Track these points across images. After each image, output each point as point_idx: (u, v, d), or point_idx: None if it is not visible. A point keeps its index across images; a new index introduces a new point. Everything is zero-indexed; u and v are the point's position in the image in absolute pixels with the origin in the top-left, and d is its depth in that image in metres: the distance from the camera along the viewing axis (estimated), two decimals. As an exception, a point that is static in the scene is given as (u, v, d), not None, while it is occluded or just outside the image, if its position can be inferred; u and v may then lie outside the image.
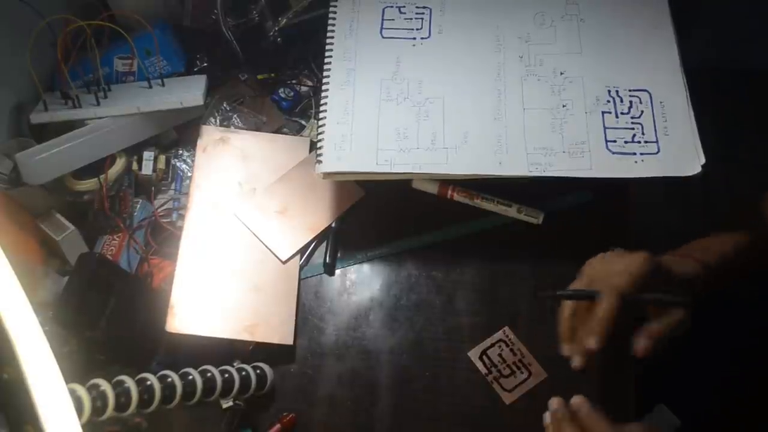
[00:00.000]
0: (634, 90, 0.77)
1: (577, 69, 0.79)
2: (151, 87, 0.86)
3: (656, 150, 0.74)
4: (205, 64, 0.92)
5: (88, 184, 0.82)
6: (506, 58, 0.80)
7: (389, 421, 0.74)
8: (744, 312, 1.10)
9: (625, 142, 0.75)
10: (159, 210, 0.83)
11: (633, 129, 0.75)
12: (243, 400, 0.71)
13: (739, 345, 1.08)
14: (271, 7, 0.90)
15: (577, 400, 0.62)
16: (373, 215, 0.83)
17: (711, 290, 0.69)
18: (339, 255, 0.82)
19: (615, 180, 0.73)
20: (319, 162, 0.76)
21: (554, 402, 0.63)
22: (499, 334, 0.76)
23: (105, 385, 0.60)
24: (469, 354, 0.75)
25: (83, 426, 0.40)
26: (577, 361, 0.64)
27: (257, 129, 0.88)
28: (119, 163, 0.83)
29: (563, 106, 0.77)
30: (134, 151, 0.84)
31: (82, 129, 0.79)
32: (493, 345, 0.76)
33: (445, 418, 0.74)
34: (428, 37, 0.83)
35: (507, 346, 0.75)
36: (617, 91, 0.77)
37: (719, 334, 1.10)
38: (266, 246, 0.80)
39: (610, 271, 0.65)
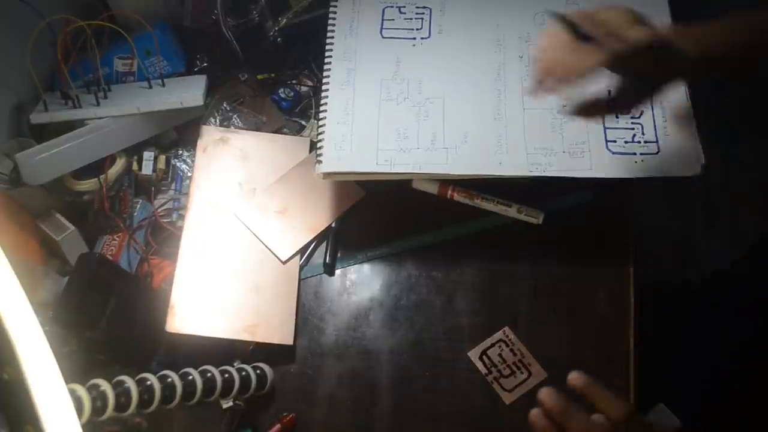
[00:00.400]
0: (635, 90, 0.77)
1: (577, 69, 0.79)
2: (151, 87, 0.86)
3: (656, 150, 0.74)
4: (205, 64, 0.92)
5: (88, 184, 0.82)
6: (506, 58, 0.80)
7: (389, 421, 0.74)
8: (743, 308, 1.10)
9: (625, 142, 0.75)
10: (159, 210, 0.83)
11: (633, 129, 0.75)
12: (243, 400, 0.71)
13: (738, 340, 1.08)
14: (271, 7, 0.90)
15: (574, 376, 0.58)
16: (373, 215, 0.83)
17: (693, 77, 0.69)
18: (339, 255, 0.82)
19: (615, 180, 0.73)
20: (319, 162, 0.76)
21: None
22: (499, 334, 0.76)
23: (105, 385, 0.60)
24: (469, 354, 0.75)
25: (83, 426, 0.40)
26: (541, 90, 0.64)
27: (257, 129, 0.88)
28: (119, 163, 0.83)
29: (563, 106, 0.77)
30: (134, 151, 0.84)
31: (82, 129, 0.79)
32: (493, 345, 0.76)
33: (445, 418, 0.74)
34: (428, 37, 0.83)
35: (507, 346, 0.75)
36: (617, 91, 0.77)
37: (719, 332, 1.10)
38: (266, 246, 0.80)
39: (615, 24, 0.62)
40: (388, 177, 0.77)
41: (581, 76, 0.63)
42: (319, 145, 0.77)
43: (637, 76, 0.65)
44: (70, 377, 0.39)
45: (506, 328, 0.76)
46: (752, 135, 1.53)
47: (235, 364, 0.72)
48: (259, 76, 0.91)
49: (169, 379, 0.65)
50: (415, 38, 0.83)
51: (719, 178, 1.47)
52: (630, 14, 0.63)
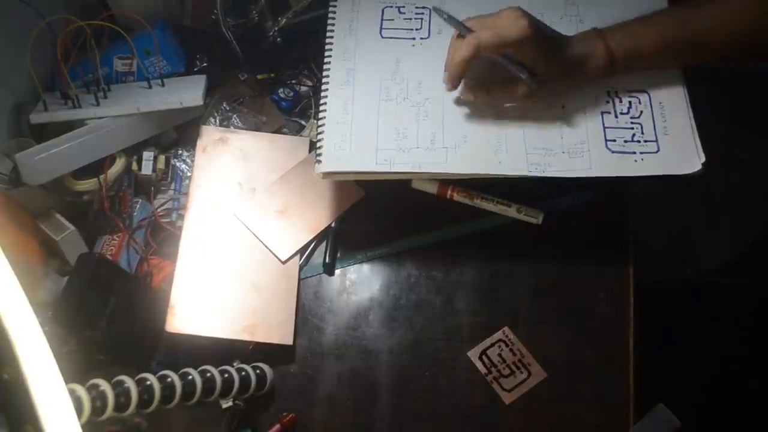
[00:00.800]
0: (633, 91, 0.77)
1: (576, 69, 0.79)
2: (150, 87, 0.86)
3: (656, 149, 0.74)
4: (205, 64, 0.92)
5: (87, 184, 0.82)
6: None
7: (389, 421, 0.74)
8: (743, 308, 1.10)
9: (625, 141, 0.75)
10: (159, 210, 0.83)
11: (632, 129, 0.75)
12: (243, 400, 0.71)
13: (738, 340, 1.08)
14: (271, 7, 0.90)
15: None
16: (373, 215, 0.83)
17: (613, 73, 0.74)
18: (339, 255, 0.82)
19: (615, 179, 0.73)
20: (319, 162, 0.76)
21: None
22: (498, 334, 0.76)
23: (105, 385, 0.60)
24: (468, 354, 0.76)
25: (83, 426, 0.40)
26: (446, 87, 0.75)
27: (257, 129, 0.88)
28: (119, 163, 0.83)
29: (562, 106, 0.77)
30: (134, 151, 0.84)
31: (82, 129, 0.79)
32: (492, 345, 0.76)
33: (444, 418, 0.74)
34: (428, 37, 0.83)
35: (507, 346, 0.76)
36: (616, 92, 0.77)
37: (719, 332, 1.10)
38: (266, 246, 0.80)
39: (493, 23, 0.70)
40: (388, 177, 0.77)
41: (458, 68, 0.71)
42: (318, 144, 0.77)
43: (525, 67, 0.71)
44: (69, 377, 0.39)
45: (506, 328, 0.76)
46: (752, 135, 1.53)
47: (234, 364, 0.72)
48: (259, 76, 0.91)
49: (169, 379, 0.65)
50: (414, 38, 0.83)
51: (719, 178, 1.47)
52: (516, 12, 0.69)
